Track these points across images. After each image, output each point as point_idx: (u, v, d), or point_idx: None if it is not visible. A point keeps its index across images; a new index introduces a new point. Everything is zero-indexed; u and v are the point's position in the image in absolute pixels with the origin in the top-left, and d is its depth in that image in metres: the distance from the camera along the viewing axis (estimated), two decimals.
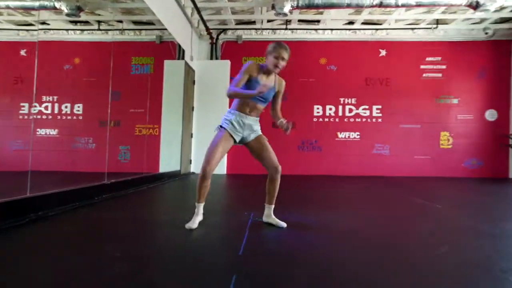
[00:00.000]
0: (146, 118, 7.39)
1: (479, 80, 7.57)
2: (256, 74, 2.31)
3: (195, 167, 7.68)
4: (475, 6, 5.64)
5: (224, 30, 7.53)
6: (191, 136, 7.74)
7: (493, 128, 7.57)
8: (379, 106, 7.66)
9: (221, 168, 7.67)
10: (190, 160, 7.75)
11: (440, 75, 7.61)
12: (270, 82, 2.36)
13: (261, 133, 2.47)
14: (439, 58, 7.60)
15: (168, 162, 6.96)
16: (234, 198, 4.56)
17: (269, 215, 2.51)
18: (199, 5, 5.98)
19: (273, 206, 2.51)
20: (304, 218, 3.04)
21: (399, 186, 5.85)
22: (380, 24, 7.29)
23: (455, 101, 7.61)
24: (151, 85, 7.39)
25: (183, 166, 7.10)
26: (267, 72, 2.36)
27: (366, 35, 7.53)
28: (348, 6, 5.68)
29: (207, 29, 6.97)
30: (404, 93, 7.64)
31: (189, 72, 7.13)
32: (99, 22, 6.56)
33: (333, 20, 7.11)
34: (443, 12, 6.65)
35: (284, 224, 2.43)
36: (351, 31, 7.48)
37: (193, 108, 7.70)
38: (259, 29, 7.44)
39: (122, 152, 7.90)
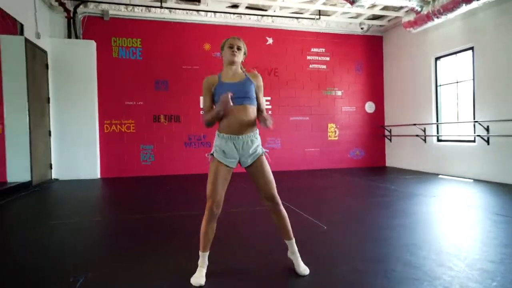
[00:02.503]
0: None
1: (357, 72, 8.25)
2: (216, 82, 2.08)
3: (58, 172, 6.47)
4: (352, 1, 5.97)
5: (84, 2, 6.41)
6: (49, 134, 6.46)
7: (372, 120, 8.39)
8: (269, 98, 7.67)
9: (93, 170, 6.63)
10: (51, 165, 6.48)
11: (324, 66, 8.04)
12: (240, 79, 2.08)
13: (260, 154, 2.08)
14: (323, 49, 8.01)
15: (18, 169, 5.63)
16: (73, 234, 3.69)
17: (292, 252, 2.12)
18: None
19: (292, 240, 2.11)
20: None
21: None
22: (265, 10, 7.23)
23: (339, 93, 8.15)
24: None
25: (36, 174, 5.84)
26: (230, 73, 2.10)
27: (252, 20, 7.42)
28: None
29: None
30: (292, 84, 7.83)
31: (35, 52, 5.86)
32: None
33: (214, 2, 6.74)
34: (324, 3, 6.94)
35: (304, 270, 2.04)
36: (236, 15, 7.25)
37: (48, 99, 6.42)
38: (129, 4, 6.58)
39: None
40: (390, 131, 8.20)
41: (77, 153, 6.55)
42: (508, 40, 5.39)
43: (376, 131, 8.38)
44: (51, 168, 6.52)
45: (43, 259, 2.41)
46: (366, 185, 5.59)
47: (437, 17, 6.09)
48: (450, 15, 5.93)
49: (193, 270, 2.00)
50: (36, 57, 5.93)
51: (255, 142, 2.07)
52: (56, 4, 6.05)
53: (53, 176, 6.53)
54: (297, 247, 2.12)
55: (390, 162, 8.31)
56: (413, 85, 7.47)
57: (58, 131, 6.51)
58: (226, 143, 2.01)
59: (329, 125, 8.08)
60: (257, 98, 2.14)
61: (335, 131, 8.11)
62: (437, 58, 6.96)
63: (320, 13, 7.37)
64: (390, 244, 2.60)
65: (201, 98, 2.14)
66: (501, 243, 2.55)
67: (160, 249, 2.53)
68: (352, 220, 3.39)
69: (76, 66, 6.52)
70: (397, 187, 5.23)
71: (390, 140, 8.23)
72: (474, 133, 5.96)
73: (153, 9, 6.79)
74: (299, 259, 2.10)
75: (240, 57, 2.11)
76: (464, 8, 5.60)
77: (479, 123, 5.75)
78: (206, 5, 6.81)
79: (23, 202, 4.50)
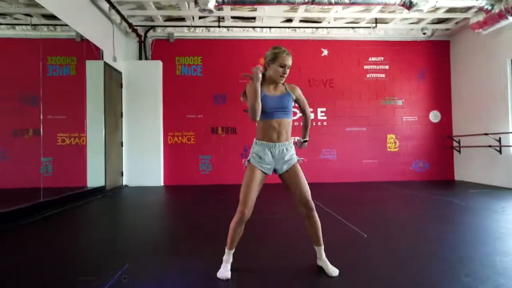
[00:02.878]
0: (69, 125, 6.85)
1: (420, 80, 7.81)
2: (262, 88, 2.17)
3: (128, 179, 7.23)
4: (409, 6, 5.78)
5: (153, 27, 7.20)
6: (121, 145, 7.28)
7: (438, 130, 7.82)
8: (324, 109, 7.66)
9: (157, 178, 7.28)
10: (122, 172, 7.28)
11: (383, 75, 7.77)
12: (281, 93, 2.21)
13: (295, 162, 2.21)
14: (382, 58, 7.77)
15: (95, 175, 6.48)
16: (132, 229, 3.97)
17: (320, 257, 2.23)
18: None
19: (321, 247, 2.22)
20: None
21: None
22: (320, 22, 7.32)
23: (399, 102, 7.79)
24: (73, 89, 6.88)
25: (109, 180, 6.62)
26: (271, 86, 2.21)
27: (307, 33, 7.54)
28: (279, 2, 5.60)
29: (130, 25, 6.62)
30: (348, 95, 7.71)
31: (111, 74, 6.71)
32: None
33: (269, 18, 7.03)
34: (381, 11, 6.79)
35: (334, 272, 2.12)
36: (290, 29, 7.45)
37: (121, 114, 7.27)
38: (191, 26, 7.19)
39: (44, 165, 7.27)
40: (459, 142, 7.54)
41: (144, 163, 7.24)
42: None
43: (442, 142, 7.77)
44: (122, 175, 7.31)
45: (99, 253, 2.78)
46: (424, 198, 5.23)
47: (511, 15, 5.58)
48: None
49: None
50: (112, 78, 6.79)
51: (290, 150, 2.17)
52: (130, 30, 6.90)
53: (124, 183, 7.29)
54: (335, 252, 2.16)
55: (459, 175, 7.61)
56: (485, 91, 6.83)
57: (128, 142, 7.29)
58: (263, 150, 2.14)
59: (388, 135, 7.73)
60: (302, 109, 2.28)
61: (395, 142, 7.73)
62: None
63: (376, 21, 7.21)
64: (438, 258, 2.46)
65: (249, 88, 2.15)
66: None
67: (201, 249, 2.74)
68: (397, 231, 3.24)
69: (145, 84, 7.29)
70: (461, 201, 4.80)
71: (459, 151, 7.56)
72: None
73: (212, 28, 7.33)
74: (327, 262, 2.15)
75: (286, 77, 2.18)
76: None
77: None
78: (261, 22, 7.14)
79: (97, 204, 5.14)
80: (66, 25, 5.90)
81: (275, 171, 2.20)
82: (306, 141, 2.33)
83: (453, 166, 7.78)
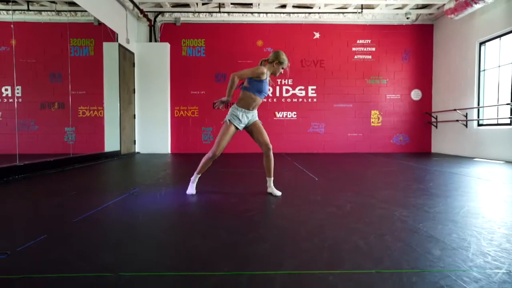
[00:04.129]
0: (88, 99, 7.95)
1: (404, 61, 8.60)
2: (264, 77, 3.01)
3: (140, 147, 8.34)
4: None
5: (162, 13, 8.13)
6: (134, 117, 8.36)
7: (418, 107, 8.65)
8: (314, 87, 8.55)
9: (165, 147, 8.37)
10: (134, 141, 8.39)
11: (370, 57, 8.58)
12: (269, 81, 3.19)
13: (257, 119, 3.17)
14: (369, 41, 8.55)
15: (112, 143, 7.60)
16: (141, 174, 5.20)
17: (269, 185, 3.18)
18: None
19: (271, 178, 3.17)
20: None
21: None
22: (311, 7, 8.11)
23: (384, 81, 8.61)
24: (92, 67, 7.93)
25: (124, 147, 7.74)
26: (268, 73, 3.09)
27: (300, 18, 8.36)
28: None
29: (142, 11, 7.56)
30: (337, 74, 8.56)
31: (125, 54, 7.71)
32: (28, 1, 7.02)
33: (265, 4, 7.85)
34: None
35: (278, 193, 3.11)
36: (285, 14, 8.27)
37: (134, 90, 8.31)
38: (195, 12, 8.08)
39: (68, 134, 8.42)
40: (436, 118, 8.38)
41: (154, 133, 8.33)
42: None
43: (422, 118, 8.63)
44: (134, 143, 8.42)
45: (119, 183, 3.86)
46: (389, 162, 6.16)
47: (475, 3, 6.31)
48: (488, 0, 6.11)
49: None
50: (126, 58, 7.80)
51: (256, 114, 3.18)
52: (141, 15, 7.85)
53: (136, 150, 8.41)
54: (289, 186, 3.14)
55: (436, 148, 8.49)
56: (459, 71, 7.61)
57: (140, 115, 8.35)
58: (242, 114, 3.08)
59: (373, 111, 8.61)
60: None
61: (378, 117, 8.61)
62: (481, 43, 7.05)
63: (362, 7, 7.97)
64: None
65: (248, 70, 2.99)
66: None
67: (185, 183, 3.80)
68: (344, 177, 4.23)
69: (155, 64, 8.28)
70: (420, 164, 5.74)
71: (436, 126, 8.41)
72: (511, 115, 6.06)
73: (214, 13, 8.22)
74: (273, 188, 3.16)
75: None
76: None
77: None
78: (258, 7, 7.98)
79: (115, 163, 6.26)
80: (85, 10, 6.86)
81: (245, 128, 3.19)
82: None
83: (430, 139, 8.66)
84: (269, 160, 3.14)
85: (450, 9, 6.92)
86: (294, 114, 8.59)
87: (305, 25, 8.51)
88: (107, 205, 2.67)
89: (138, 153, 8.29)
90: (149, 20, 8.05)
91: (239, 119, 3.05)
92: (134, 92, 8.32)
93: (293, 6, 8.00)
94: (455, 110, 7.36)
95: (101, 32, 7.82)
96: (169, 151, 8.43)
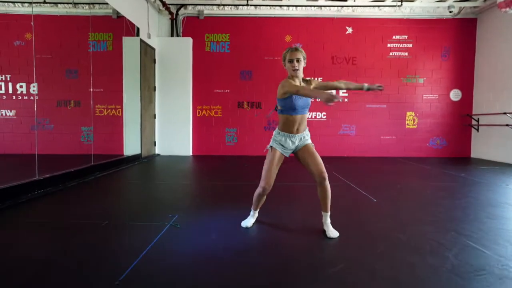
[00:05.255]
0: (106, 98, 7.52)
1: (444, 59, 7.95)
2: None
3: (160, 149, 7.91)
4: None
5: (184, 5, 7.60)
6: (154, 117, 7.91)
7: (457, 108, 8.03)
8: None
9: (186, 148, 7.92)
10: (154, 142, 7.95)
11: (406, 53, 7.95)
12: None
13: (309, 142, 2.62)
14: (406, 37, 7.91)
15: (131, 144, 7.17)
16: (173, 190, 4.71)
17: (324, 222, 2.61)
18: None
19: (328, 213, 2.59)
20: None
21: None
22: (345, 0, 7.49)
23: (420, 80, 7.99)
24: (110, 63, 7.48)
25: (144, 149, 7.31)
26: (296, 79, 2.53)
27: (332, 11, 7.75)
28: None
29: (164, 3, 7.04)
30: (370, 72, 7.97)
31: (146, 50, 7.23)
32: None
33: None
34: None
35: (335, 234, 2.50)
36: (316, 7, 7.67)
37: (154, 88, 7.84)
38: (220, 4, 7.53)
39: (85, 134, 8.03)
40: (477, 120, 7.76)
41: (175, 134, 7.88)
42: None
43: (461, 120, 8.01)
44: (154, 145, 7.99)
45: (151, 205, 3.42)
46: (436, 172, 5.63)
47: None
48: None
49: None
50: (147, 54, 7.32)
51: (306, 137, 2.61)
52: (163, 8, 7.33)
53: (156, 152, 7.98)
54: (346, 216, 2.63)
55: (476, 153, 7.89)
56: (508, 71, 6.96)
57: (160, 114, 7.90)
58: (284, 140, 2.56)
59: (408, 113, 8.02)
60: (330, 88, 2.64)
61: (413, 119, 8.02)
62: None
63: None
64: (433, 220, 2.95)
65: (288, 83, 2.39)
66: None
67: (227, 206, 3.33)
68: (403, 197, 3.72)
69: (177, 60, 7.78)
70: (469, 176, 5.19)
71: (478, 130, 7.79)
72: None
73: (240, 6, 7.65)
74: (330, 226, 2.57)
75: (301, 68, 2.48)
76: None
77: None
78: (288, 0, 7.39)
79: (137, 169, 5.83)
80: (106, 3, 6.38)
81: (293, 153, 2.66)
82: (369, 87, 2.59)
83: (470, 143, 8.05)
84: (324, 191, 2.53)
85: (505, 1, 6.25)
86: (324, 115, 8.04)
87: (337, 19, 7.89)
88: (152, 247, 2.22)
89: (158, 155, 7.87)
90: (171, 13, 7.53)
91: (282, 145, 2.57)
92: (155, 90, 7.85)
93: None
94: (505, 113, 6.73)
95: (120, 26, 7.33)
96: (191, 153, 7.99)
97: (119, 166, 6.01)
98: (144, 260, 1.99)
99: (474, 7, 7.60)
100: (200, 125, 8.05)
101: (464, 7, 7.64)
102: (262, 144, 8.04)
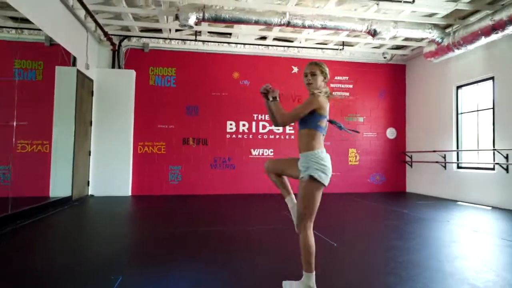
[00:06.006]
0: (31, 132, 6.65)
1: (380, 99, 8.58)
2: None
3: (94, 188, 7.12)
4: (373, 34, 6.41)
5: (128, 37, 7.24)
6: (89, 154, 7.18)
7: (393, 146, 8.62)
8: (292, 123, 8.09)
9: (125, 188, 7.24)
10: (88, 182, 7.16)
11: (348, 94, 8.43)
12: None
13: (301, 176, 2.24)
14: (347, 77, 8.43)
15: (60, 184, 6.33)
16: (112, 241, 4.00)
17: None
18: (92, 8, 5.66)
19: (303, 273, 2.18)
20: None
21: None
22: (292, 41, 7.80)
23: (361, 119, 8.48)
24: (38, 94, 6.72)
25: (76, 189, 6.51)
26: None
27: (279, 51, 8.00)
28: (256, 23, 5.96)
29: (106, 34, 6.63)
30: None
31: (84, 81, 6.65)
32: None
33: (244, 35, 7.37)
34: (348, 35, 7.41)
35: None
36: (264, 46, 7.85)
37: (91, 122, 7.18)
38: (167, 38, 7.33)
39: (1, 173, 6.94)
40: (411, 157, 8.38)
41: (112, 172, 7.19)
42: None
43: (397, 157, 8.58)
44: (88, 185, 7.19)
45: (86, 264, 2.90)
46: (382, 209, 5.81)
47: (458, 48, 6.39)
48: (470, 47, 6.21)
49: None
50: (84, 85, 6.72)
51: (303, 162, 2.26)
52: (105, 39, 6.89)
53: (89, 192, 7.17)
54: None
55: (410, 188, 8.44)
56: (434, 112, 7.70)
57: (97, 151, 7.19)
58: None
59: (350, 150, 8.38)
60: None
61: (355, 156, 8.39)
62: (458, 87, 7.20)
63: (344, 44, 7.84)
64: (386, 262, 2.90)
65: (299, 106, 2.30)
66: (500, 267, 2.79)
67: (182, 261, 2.96)
68: (360, 240, 3.69)
69: (117, 93, 7.27)
70: (411, 212, 5.43)
71: (411, 166, 8.39)
72: (494, 161, 6.09)
73: (188, 41, 7.52)
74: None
75: (316, 82, 2.32)
76: (483, 40, 5.88)
77: (498, 151, 5.90)
78: (237, 38, 7.46)
79: (67, 214, 5.09)
80: (37, 29, 5.79)
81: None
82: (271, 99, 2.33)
83: (405, 179, 8.61)
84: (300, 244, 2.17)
85: (431, 52, 6.99)
86: (271, 152, 8.04)
87: (283, 59, 8.15)
88: None
89: (92, 196, 7.07)
90: (113, 44, 7.10)
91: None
92: (91, 125, 7.18)
93: (274, 39, 7.61)
94: (434, 151, 7.35)
95: (53, 54, 6.69)
96: (130, 193, 7.32)
97: (45, 211, 5.21)
98: None
99: (403, 55, 8.42)
100: (142, 162, 7.49)
101: (395, 54, 8.43)
102: (208, 182, 7.71)
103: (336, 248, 3.37)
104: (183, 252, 3.22)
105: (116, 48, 7.23)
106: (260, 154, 7.97)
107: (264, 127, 8.03)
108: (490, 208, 5.88)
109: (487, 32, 5.60)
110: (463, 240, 3.79)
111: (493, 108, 6.27)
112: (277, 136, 8.07)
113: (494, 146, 6.13)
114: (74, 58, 6.24)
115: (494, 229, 4.36)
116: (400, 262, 2.94)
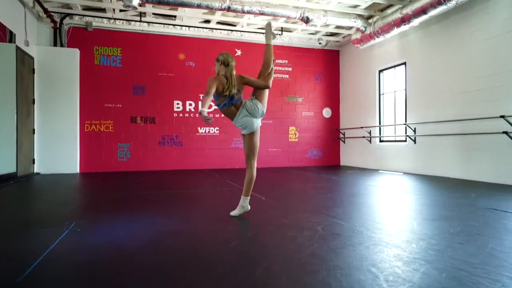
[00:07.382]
0: None
1: (317, 82, 9.44)
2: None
3: (41, 167, 7.16)
4: (306, 21, 7.11)
5: (70, 15, 7.25)
6: (33, 132, 7.16)
7: (329, 124, 9.57)
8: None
9: (73, 166, 7.36)
10: (33, 160, 7.16)
11: (287, 76, 9.16)
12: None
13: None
14: (286, 61, 9.14)
15: (4, 162, 6.30)
16: (64, 203, 4.47)
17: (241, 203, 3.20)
18: None
19: (242, 195, 3.22)
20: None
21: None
22: (235, 25, 8.29)
23: (299, 99, 9.28)
24: None
25: (21, 167, 6.53)
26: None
27: (223, 34, 8.46)
28: (199, 6, 6.36)
29: (46, 11, 6.61)
30: None
31: (24, 58, 6.61)
32: None
33: (189, 18, 7.71)
34: (286, 22, 8.07)
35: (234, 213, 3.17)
36: (208, 29, 8.26)
37: (33, 100, 7.14)
38: (111, 18, 7.44)
39: None
40: (344, 134, 9.40)
41: (58, 150, 7.27)
42: (431, 57, 6.67)
43: (332, 134, 9.57)
44: (33, 163, 7.20)
45: (42, 216, 3.28)
46: (313, 176, 6.66)
47: (378, 37, 7.34)
48: (387, 35, 7.18)
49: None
50: (24, 63, 6.67)
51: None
52: (45, 16, 6.85)
53: (35, 170, 7.20)
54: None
55: (344, 161, 9.50)
56: (362, 93, 8.72)
57: (41, 129, 7.21)
58: None
59: (290, 128, 9.18)
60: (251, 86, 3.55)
61: (295, 133, 9.22)
62: (380, 71, 8.23)
63: (282, 29, 8.50)
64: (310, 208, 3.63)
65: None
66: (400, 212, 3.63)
67: (125, 211, 3.45)
68: (288, 195, 4.41)
69: (60, 71, 7.28)
70: (338, 177, 6.33)
71: (344, 141, 9.43)
72: (406, 133, 7.20)
73: (133, 22, 7.69)
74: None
75: (216, 68, 3.15)
76: (396, 30, 6.86)
77: (408, 126, 6.99)
78: (181, 20, 7.78)
79: (14, 188, 5.24)
80: None
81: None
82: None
83: (339, 153, 9.64)
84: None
85: (357, 39, 7.90)
86: (217, 130, 8.56)
87: (227, 42, 8.63)
88: (53, 248, 2.22)
89: (38, 174, 7.11)
90: (54, 21, 7.07)
91: None
92: (34, 103, 7.15)
93: (217, 23, 8.04)
94: (361, 127, 8.38)
95: None
96: (78, 171, 7.46)
97: None
98: (48, 260, 2.01)
99: (337, 41, 9.31)
100: (89, 140, 7.63)
101: (329, 41, 9.29)
102: (157, 158, 8.07)
103: (264, 201, 4.03)
104: (129, 207, 3.69)
105: (58, 26, 7.20)
106: (207, 132, 8.46)
107: (209, 106, 8.50)
108: (402, 173, 6.98)
109: (397, 23, 6.57)
110: (369, 193, 4.67)
111: (405, 89, 7.34)
112: (223, 115, 8.56)
113: (406, 121, 7.22)
114: (11, 34, 6.18)
115: (397, 186, 5.33)
116: (318, 205, 3.68)
